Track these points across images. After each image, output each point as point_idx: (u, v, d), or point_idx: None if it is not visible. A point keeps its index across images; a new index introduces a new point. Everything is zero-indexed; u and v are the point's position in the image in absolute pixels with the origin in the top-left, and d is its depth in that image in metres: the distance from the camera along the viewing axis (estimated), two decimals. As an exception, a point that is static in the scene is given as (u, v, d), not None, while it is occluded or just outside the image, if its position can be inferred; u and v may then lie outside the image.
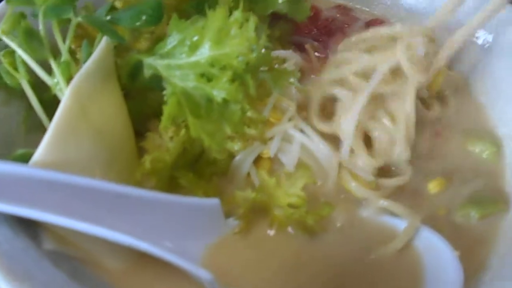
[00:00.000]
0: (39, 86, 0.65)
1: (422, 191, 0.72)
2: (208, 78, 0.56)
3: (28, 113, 0.69)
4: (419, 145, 0.75)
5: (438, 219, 0.68)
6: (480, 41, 0.87)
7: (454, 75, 0.88)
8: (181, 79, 0.57)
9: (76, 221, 0.51)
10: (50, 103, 0.64)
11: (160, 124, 0.57)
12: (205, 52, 0.56)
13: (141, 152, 0.66)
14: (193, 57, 0.56)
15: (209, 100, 0.57)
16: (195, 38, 0.56)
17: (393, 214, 0.66)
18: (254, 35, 0.56)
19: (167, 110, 0.56)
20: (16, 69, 0.63)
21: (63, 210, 0.52)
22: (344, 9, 1.03)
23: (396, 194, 0.69)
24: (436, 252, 0.62)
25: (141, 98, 0.69)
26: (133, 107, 0.68)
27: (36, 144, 0.68)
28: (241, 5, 0.60)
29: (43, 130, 0.67)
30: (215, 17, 0.55)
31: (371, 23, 0.98)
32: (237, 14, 0.57)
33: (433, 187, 0.72)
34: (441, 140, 0.79)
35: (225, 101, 0.56)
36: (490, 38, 0.86)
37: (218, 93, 0.55)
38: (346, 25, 0.98)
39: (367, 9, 1.04)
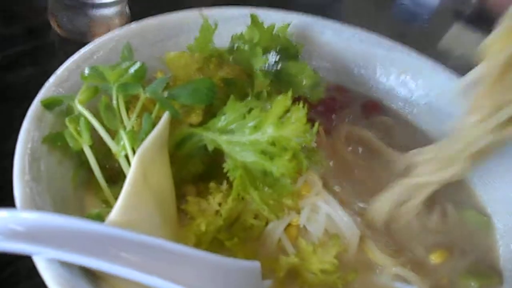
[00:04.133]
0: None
1: (426, 262, 0.79)
2: (269, 155, 0.63)
3: (76, 171, 0.73)
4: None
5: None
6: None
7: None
8: (241, 155, 0.65)
9: (146, 275, 0.55)
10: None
11: (231, 194, 0.63)
12: (269, 132, 0.64)
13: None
14: (254, 136, 0.64)
15: (264, 173, 0.64)
16: (257, 120, 0.65)
17: (404, 281, 0.75)
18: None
19: (237, 183, 0.62)
20: (79, 134, 0.68)
21: (135, 264, 0.55)
22: (342, 90, 1.14)
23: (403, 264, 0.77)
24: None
25: (181, 165, 0.75)
26: (174, 173, 0.73)
27: (83, 199, 0.74)
28: (289, 93, 0.69)
29: (87, 187, 0.73)
30: (279, 104, 0.64)
31: (366, 105, 1.10)
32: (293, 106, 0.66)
33: (435, 257, 0.80)
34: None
35: (281, 176, 0.64)
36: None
37: (278, 169, 0.63)
38: (343, 105, 1.09)
39: (362, 92, 1.14)
